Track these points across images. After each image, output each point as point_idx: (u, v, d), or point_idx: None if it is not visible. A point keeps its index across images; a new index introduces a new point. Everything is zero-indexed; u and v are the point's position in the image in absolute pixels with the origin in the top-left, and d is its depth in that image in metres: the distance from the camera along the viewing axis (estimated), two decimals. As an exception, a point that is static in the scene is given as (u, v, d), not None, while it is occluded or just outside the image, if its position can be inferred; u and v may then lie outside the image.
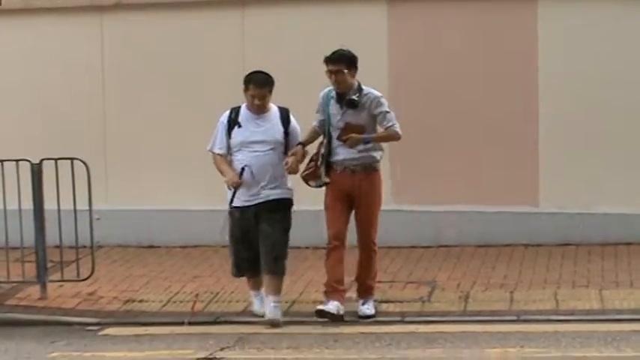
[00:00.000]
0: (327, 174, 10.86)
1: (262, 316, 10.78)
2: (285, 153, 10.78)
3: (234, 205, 10.62)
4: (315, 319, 11.21)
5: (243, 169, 10.58)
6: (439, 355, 9.68)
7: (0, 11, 14.03)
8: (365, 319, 10.79)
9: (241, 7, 15.52)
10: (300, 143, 10.82)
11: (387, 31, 15.18)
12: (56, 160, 12.29)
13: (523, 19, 14.88)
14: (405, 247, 14.34)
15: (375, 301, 11.16)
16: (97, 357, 9.92)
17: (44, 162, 12.35)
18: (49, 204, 12.39)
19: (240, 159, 10.68)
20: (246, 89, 10.66)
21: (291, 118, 10.94)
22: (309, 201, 14.04)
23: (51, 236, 12.40)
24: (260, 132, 10.69)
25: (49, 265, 12.57)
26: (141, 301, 12.03)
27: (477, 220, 14.61)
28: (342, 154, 10.74)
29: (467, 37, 14.92)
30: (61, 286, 12.40)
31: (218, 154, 10.84)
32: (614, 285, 12.25)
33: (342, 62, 10.59)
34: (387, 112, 10.84)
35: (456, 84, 14.87)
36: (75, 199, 12.04)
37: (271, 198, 10.67)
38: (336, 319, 10.61)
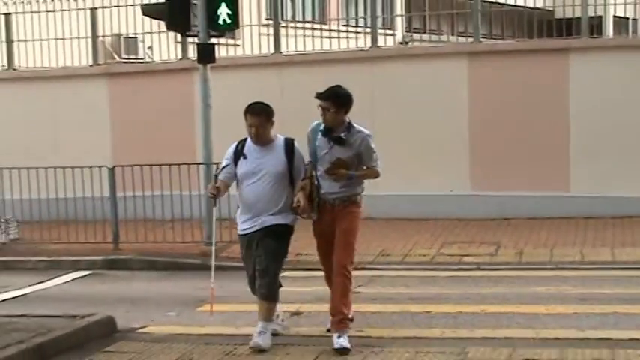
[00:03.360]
0: (319, 207, 7.41)
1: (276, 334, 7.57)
2: (290, 184, 7.46)
3: (238, 232, 7.55)
4: (425, 266, 11.38)
5: (215, 176, 7.76)
6: (503, 291, 9.65)
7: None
8: (342, 352, 7.12)
9: (371, 62, 15.65)
10: (306, 178, 7.44)
11: (468, 78, 15.07)
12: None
13: (557, 64, 14.78)
14: (479, 220, 14.16)
15: (348, 335, 7.30)
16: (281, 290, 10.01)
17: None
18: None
19: (244, 189, 7.41)
20: (245, 120, 7.41)
21: (296, 149, 7.50)
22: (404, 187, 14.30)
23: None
24: (262, 162, 7.33)
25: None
26: (306, 254, 12.12)
27: (527, 201, 14.41)
28: (324, 187, 7.34)
29: (522, 80, 14.74)
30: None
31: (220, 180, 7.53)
32: (621, 245, 12.01)
33: (330, 100, 7.20)
34: (373, 152, 7.41)
35: (517, 114, 14.73)
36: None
37: (267, 224, 7.30)
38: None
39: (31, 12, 16.44)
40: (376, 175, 7.55)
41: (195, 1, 11.61)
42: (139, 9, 12.76)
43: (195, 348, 7.34)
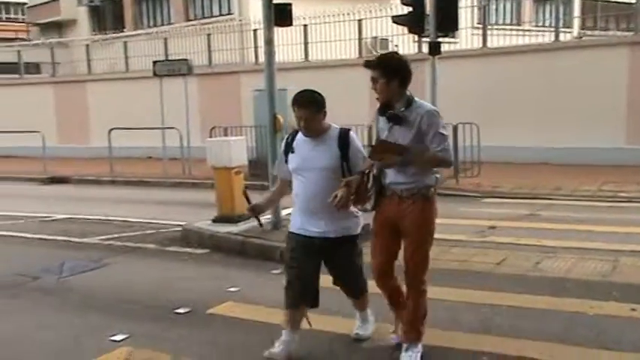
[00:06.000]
0: (377, 198, 4.23)
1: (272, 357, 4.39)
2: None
3: (290, 230, 4.49)
4: (588, 198, 10.55)
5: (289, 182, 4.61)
6: (576, 216, 9.13)
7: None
8: None
9: (553, 52, 14.76)
10: (361, 172, 4.23)
11: (628, 62, 13.89)
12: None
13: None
14: (630, 166, 13.00)
15: (421, 350, 4.24)
16: (480, 211, 9.68)
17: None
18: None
19: (296, 186, 4.46)
20: (293, 111, 4.31)
21: (352, 140, 4.33)
22: (576, 141, 13.32)
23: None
24: (312, 157, 4.33)
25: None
26: (499, 186, 11.80)
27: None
28: (389, 176, 4.18)
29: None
30: (457, 181, 12.09)
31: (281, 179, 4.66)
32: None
33: (379, 68, 4.07)
34: (440, 133, 4.00)
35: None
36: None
37: (332, 236, 4.35)
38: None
39: (319, 23, 17.08)
40: (444, 163, 4.12)
41: (427, 13, 11.62)
42: (389, 19, 12.85)
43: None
